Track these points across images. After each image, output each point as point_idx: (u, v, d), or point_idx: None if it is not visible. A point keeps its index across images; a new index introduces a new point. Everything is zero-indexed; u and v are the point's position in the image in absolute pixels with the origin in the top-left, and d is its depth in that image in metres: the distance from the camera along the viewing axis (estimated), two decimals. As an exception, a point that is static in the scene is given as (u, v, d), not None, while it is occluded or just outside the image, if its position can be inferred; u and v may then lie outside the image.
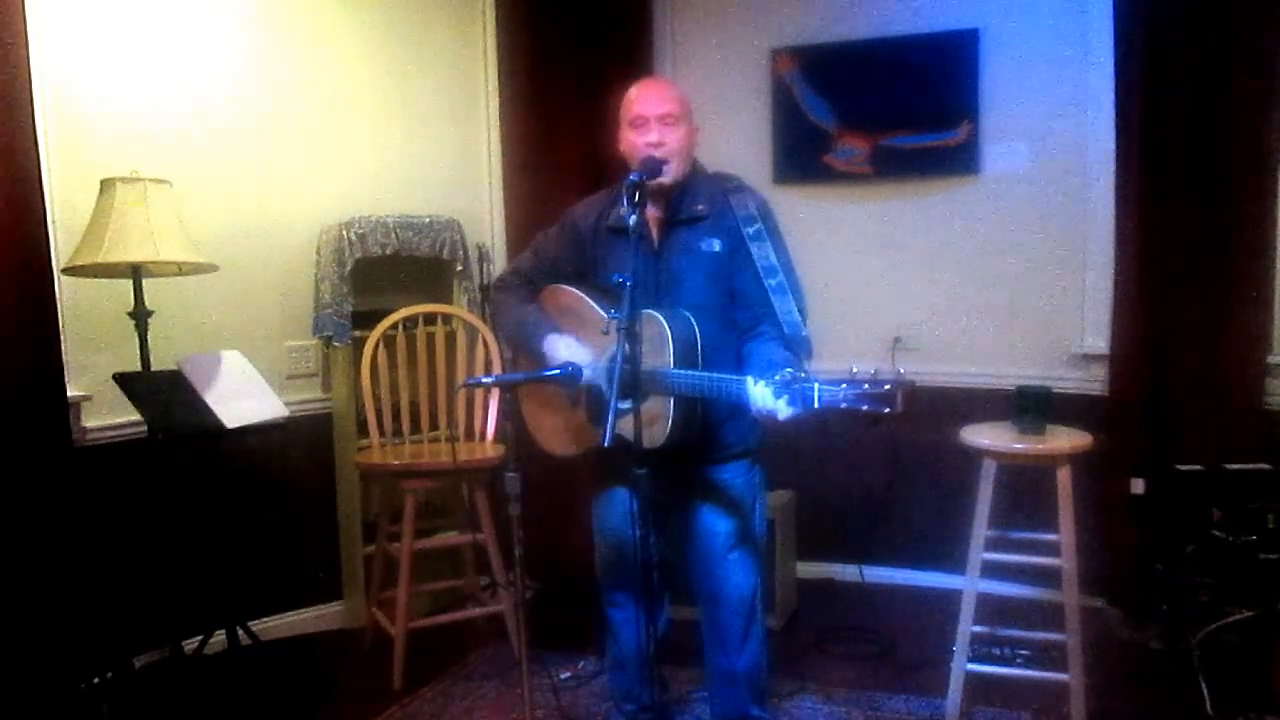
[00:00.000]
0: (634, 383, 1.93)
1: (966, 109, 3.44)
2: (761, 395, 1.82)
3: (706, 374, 2.01)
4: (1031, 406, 2.50)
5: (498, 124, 3.78)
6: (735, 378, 1.93)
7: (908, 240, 3.62)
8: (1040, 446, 2.43)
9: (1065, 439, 2.46)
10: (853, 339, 3.68)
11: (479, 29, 3.76)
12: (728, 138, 3.79)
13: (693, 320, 2.10)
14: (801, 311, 2.11)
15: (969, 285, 3.54)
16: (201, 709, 2.69)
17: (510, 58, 3.71)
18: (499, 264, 3.75)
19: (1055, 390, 2.59)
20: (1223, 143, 2.92)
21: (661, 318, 2.08)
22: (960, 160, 3.48)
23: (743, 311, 2.20)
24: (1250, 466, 2.73)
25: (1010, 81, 3.41)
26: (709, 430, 2.21)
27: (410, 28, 3.58)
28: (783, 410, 1.78)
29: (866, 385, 1.70)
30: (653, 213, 2.22)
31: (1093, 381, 3.28)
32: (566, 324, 2.30)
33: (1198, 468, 2.77)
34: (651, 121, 2.17)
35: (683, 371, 2.03)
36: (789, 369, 1.81)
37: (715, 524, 2.26)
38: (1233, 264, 2.93)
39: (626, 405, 2.09)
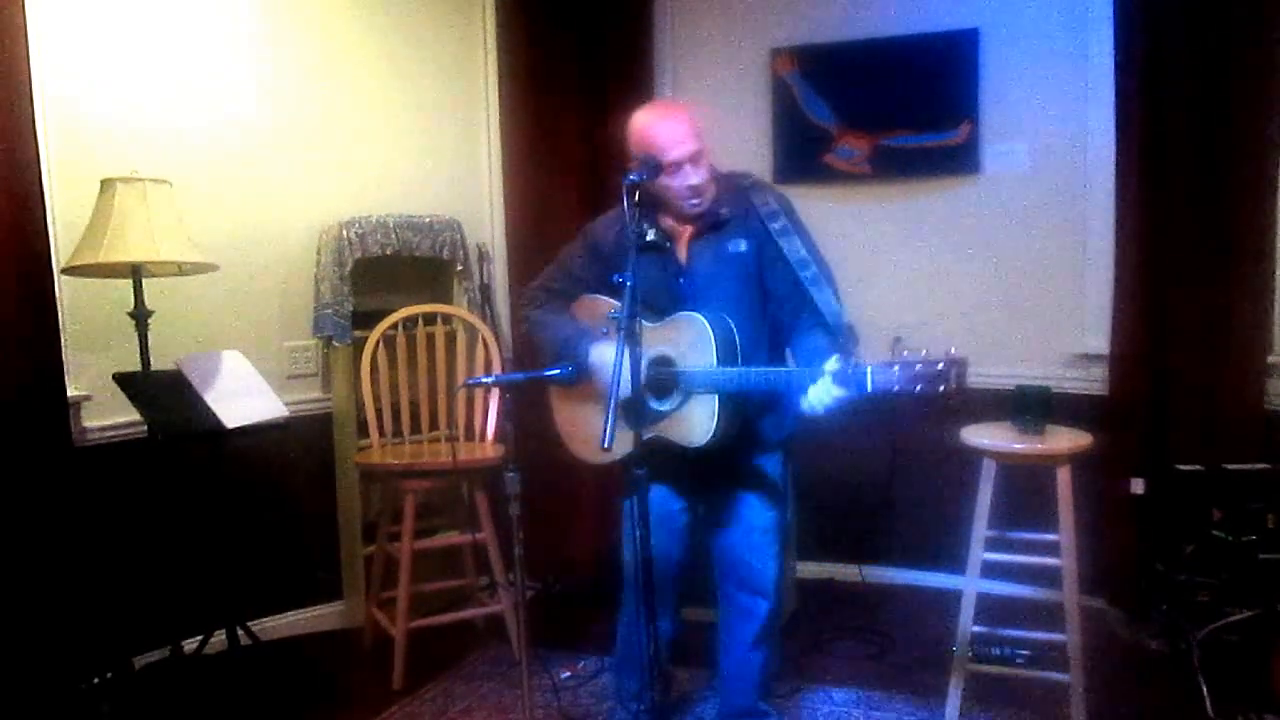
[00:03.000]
0: (634, 386, 1.95)
1: (966, 109, 3.44)
2: (818, 389, 1.85)
3: (756, 369, 2.08)
4: (1031, 406, 2.50)
5: (498, 124, 3.78)
6: (787, 370, 2.02)
7: (908, 240, 3.62)
8: (1040, 446, 2.43)
9: (1065, 439, 2.45)
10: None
11: (479, 29, 3.76)
12: (728, 138, 3.78)
13: (730, 320, 2.14)
14: (837, 299, 2.13)
15: (969, 285, 3.54)
16: (201, 709, 2.68)
17: (510, 58, 3.71)
18: (499, 264, 3.76)
19: (1055, 390, 2.59)
20: (1223, 143, 2.92)
21: (703, 318, 2.12)
22: (960, 160, 3.48)
23: (779, 305, 2.23)
24: (1250, 466, 2.73)
25: (1010, 81, 3.41)
26: (749, 424, 2.24)
27: (411, 27, 3.58)
28: (835, 393, 1.83)
29: (920, 366, 1.71)
30: (680, 228, 2.26)
31: (1093, 381, 3.28)
32: (605, 331, 2.32)
33: (1198, 468, 2.77)
34: (686, 166, 2.16)
35: (733, 369, 2.08)
36: (837, 357, 1.85)
37: (755, 515, 2.29)
38: (1233, 264, 2.93)
39: (666, 406, 2.16)
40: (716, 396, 2.09)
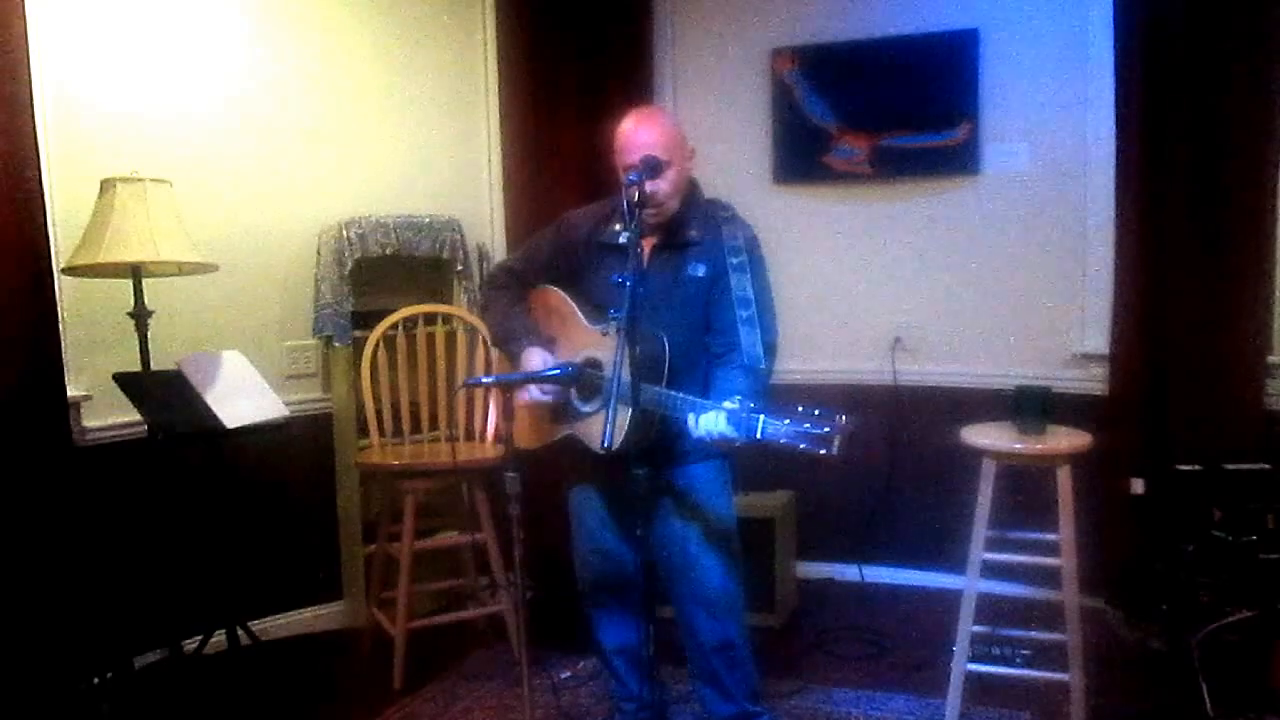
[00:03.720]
0: (634, 386, 1.96)
1: (966, 109, 3.44)
2: (710, 421, 1.90)
3: (660, 390, 2.06)
4: (1031, 406, 2.50)
5: (498, 124, 3.78)
6: (686, 399, 2.00)
7: (907, 240, 3.62)
8: (1040, 446, 2.43)
9: (1065, 439, 2.46)
10: (853, 339, 3.68)
11: (479, 29, 3.76)
12: (728, 138, 3.79)
13: (664, 339, 2.14)
14: (767, 346, 2.15)
15: (969, 285, 3.55)
16: (201, 709, 2.68)
17: (510, 57, 3.71)
18: (499, 264, 3.76)
19: (1055, 390, 2.59)
20: (1222, 142, 2.91)
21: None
22: (960, 160, 3.48)
23: (716, 337, 2.24)
24: (1250, 466, 2.72)
25: (1010, 81, 3.41)
26: (674, 435, 2.22)
27: (411, 27, 3.58)
28: (725, 430, 1.87)
29: (808, 425, 1.76)
30: (646, 238, 2.26)
31: (1093, 381, 3.28)
32: (552, 326, 2.37)
33: (1198, 468, 2.76)
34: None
35: (644, 386, 2.06)
36: (738, 397, 1.89)
37: (684, 529, 2.25)
38: (1233, 264, 2.93)
39: (586, 408, 2.20)
40: (629, 409, 2.07)
